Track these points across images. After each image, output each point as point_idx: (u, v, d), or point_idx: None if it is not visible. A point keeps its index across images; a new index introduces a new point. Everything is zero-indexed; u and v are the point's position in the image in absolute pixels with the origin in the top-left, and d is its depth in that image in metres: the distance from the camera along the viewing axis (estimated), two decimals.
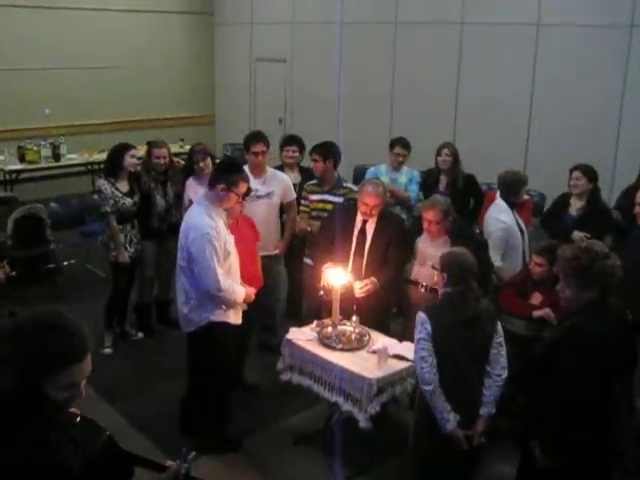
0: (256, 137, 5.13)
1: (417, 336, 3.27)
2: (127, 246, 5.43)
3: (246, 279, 4.21)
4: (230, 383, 4.28)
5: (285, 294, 5.91)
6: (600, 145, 7.40)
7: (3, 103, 9.29)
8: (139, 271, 5.74)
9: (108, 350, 5.53)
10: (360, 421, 3.80)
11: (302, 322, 5.12)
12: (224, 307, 3.99)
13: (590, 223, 5.09)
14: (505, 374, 3.36)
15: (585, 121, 7.58)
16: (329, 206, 5.15)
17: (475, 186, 6.02)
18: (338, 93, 9.33)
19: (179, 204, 5.60)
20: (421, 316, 3.28)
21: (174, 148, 7.14)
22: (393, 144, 6.13)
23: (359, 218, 4.58)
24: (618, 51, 7.28)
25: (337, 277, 4.20)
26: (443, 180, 5.99)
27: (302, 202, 5.32)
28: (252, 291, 4.18)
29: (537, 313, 4.34)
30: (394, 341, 4.16)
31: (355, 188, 5.44)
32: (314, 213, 5.22)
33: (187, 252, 3.88)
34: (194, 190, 5.37)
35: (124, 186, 5.43)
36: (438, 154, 5.89)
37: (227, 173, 3.97)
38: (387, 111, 9.97)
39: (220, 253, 3.87)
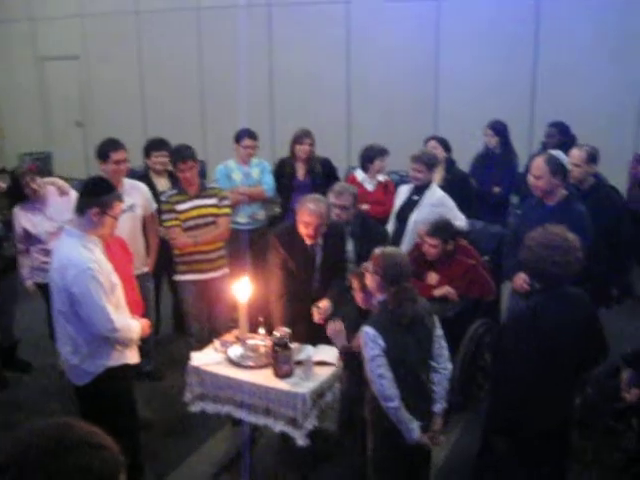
0: (116, 144, 4.56)
1: (369, 354, 3.01)
2: None
3: (128, 307, 3.69)
4: (138, 430, 3.77)
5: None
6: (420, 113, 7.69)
7: None
8: None
9: None
10: (297, 439, 3.51)
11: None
12: (119, 348, 3.47)
13: (452, 190, 5.17)
14: (450, 366, 3.24)
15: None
16: (204, 210, 4.68)
17: (333, 170, 5.85)
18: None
19: (9, 235, 4.84)
20: (369, 332, 3.01)
21: None
22: (240, 137, 5.75)
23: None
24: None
25: (244, 290, 3.84)
26: (300, 168, 5.74)
27: (166, 216, 4.69)
28: (146, 323, 3.68)
29: (438, 292, 4.34)
30: (308, 347, 3.90)
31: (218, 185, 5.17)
32: (190, 223, 4.64)
33: (68, 294, 3.27)
34: (27, 219, 4.70)
35: None
36: (298, 142, 5.61)
37: (98, 194, 3.40)
38: (196, 101, 9.53)
39: (107, 287, 3.34)
